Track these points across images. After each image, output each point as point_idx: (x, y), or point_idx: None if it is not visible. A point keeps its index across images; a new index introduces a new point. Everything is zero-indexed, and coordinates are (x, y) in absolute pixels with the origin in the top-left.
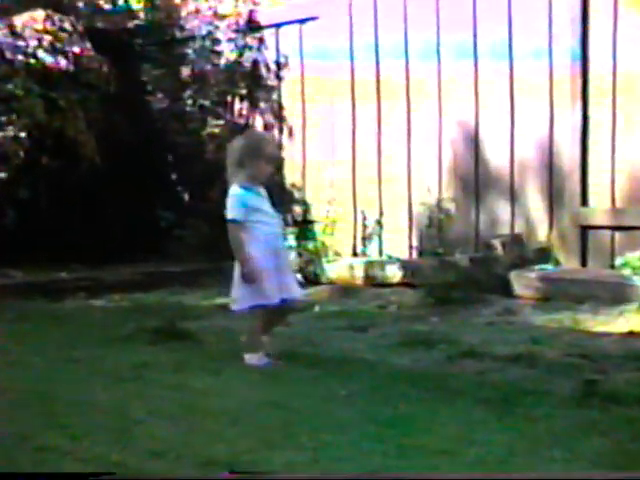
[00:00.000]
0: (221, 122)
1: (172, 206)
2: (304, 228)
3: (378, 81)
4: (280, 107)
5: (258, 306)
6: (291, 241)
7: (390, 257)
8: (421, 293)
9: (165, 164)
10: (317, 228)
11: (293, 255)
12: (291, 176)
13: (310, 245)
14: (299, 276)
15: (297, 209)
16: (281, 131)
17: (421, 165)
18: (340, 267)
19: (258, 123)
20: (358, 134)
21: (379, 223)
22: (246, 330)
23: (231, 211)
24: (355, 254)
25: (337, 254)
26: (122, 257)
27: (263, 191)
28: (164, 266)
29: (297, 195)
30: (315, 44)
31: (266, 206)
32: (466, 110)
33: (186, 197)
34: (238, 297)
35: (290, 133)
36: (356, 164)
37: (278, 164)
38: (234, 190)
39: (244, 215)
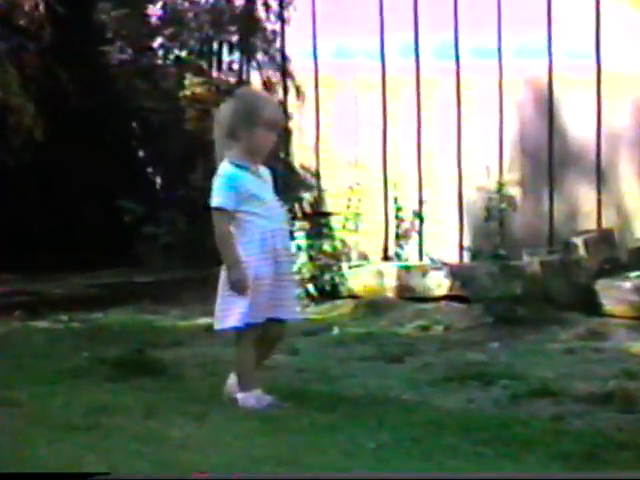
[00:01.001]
0: (205, 79)
1: (140, 194)
2: (318, 222)
3: (416, 17)
4: (284, 59)
5: (247, 327)
6: (300, 240)
7: (434, 261)
8: (476, 310)
9: (129, 137)
10: (335, 222)
11: (304, 259)
12: (301, 153)
13: (326, 245)
14: (311, 287)
15: (308, 197)
16: (286, 91)
17: (475, 137)
18: (367, 274)
19: (255, 81)
20: (390, 96)
21: (419, 215)
22: (235, 360)
23: (217, 196)
24: (386, 257)
25: (362, 257)
26: (72, 263)
27: (264, 171)
28: (129, 275)
29: (308, 178)
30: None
31: (266, 192)
32: (536, 64)
33: (159, 182)
34: (221, 313)
35: (298, 94)
36: (387, 137)
37: (282, 133)
38: (223, 168)
39: (234, 202)
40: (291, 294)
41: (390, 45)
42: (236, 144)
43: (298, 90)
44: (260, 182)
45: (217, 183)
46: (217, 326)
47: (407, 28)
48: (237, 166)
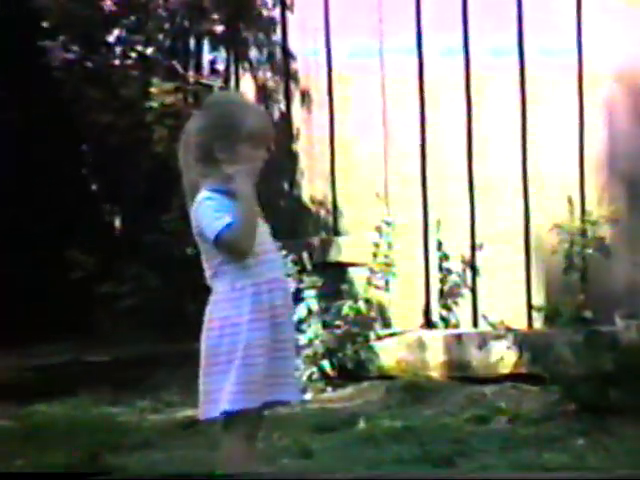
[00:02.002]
0: (178, 85)
1: (93, 241)
2: (335, 276)
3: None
4: (286, 55)
5: (240, 414)
6: (311, 301)
7: (493, 326)
8: (553, 393)
9: (77, 164)
10: (358, 276)
11: (316, 326)
12: (309, 182)
13: (347, 308)
14: (327, 365)
15: (321, 241)
16: (289, 98)
17: (546, 153)
18: (403, 347)
19: (247, 86)
20: (430, 102)
21: (471, 266)
22: (222, 463)
23: (212, 222)
24: (429, 322)
25: (396, 323)
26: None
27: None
28: (81, 351)
29: (322, 216)
30: None
31: (260, 231)
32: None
33: (119, 224)
34: (207, 397)
35: (303, 100)
36: (427, 157)
37: (286, 158)
38: (203, 195)
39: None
40: (291, 367)
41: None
42: (213, 170)
43: (304, 96)
44: None
45: (204, 208)
46: (202, 415)
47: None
48: (219, 192)
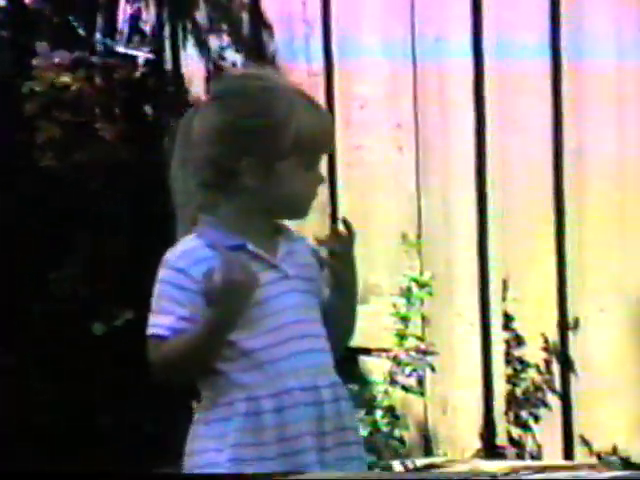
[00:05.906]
0: (77, 54)
1: None
2: (337, 369)
3: None
4: None
5: None
6: None
7: (599, 457)
8: None
9: None
10: (375, 369)
11: None
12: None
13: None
14: None
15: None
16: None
17: None
18: None
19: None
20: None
21: (561, 355)
22: None
23: (155, 311)
24: (491, 448)
25: (437, 448)
26: None
27: (297, 252)
28: None
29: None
30: None
31: (284, 299)
32: None
33: None
34: None
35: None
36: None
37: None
38: (179, 248)
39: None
40: None
41: None
42: (229, 200)
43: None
44: (277, 279)
45: (162, 276)
46: None
47: None
48: (210, 245)
